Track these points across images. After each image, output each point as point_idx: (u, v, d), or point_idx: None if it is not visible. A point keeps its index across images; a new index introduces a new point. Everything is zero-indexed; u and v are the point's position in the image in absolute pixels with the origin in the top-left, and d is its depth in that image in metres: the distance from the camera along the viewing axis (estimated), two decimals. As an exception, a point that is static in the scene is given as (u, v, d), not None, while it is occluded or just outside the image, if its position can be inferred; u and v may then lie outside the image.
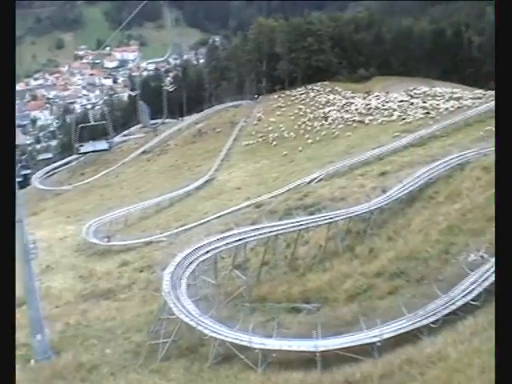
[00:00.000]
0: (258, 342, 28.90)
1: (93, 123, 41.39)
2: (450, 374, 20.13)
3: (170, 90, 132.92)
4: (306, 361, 28.08)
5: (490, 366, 18.35)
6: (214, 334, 30.09)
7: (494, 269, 32.16)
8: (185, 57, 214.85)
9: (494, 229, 37.24)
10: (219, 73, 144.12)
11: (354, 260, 41.63)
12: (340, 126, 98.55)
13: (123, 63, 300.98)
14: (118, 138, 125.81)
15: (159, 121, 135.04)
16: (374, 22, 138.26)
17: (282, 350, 28.77)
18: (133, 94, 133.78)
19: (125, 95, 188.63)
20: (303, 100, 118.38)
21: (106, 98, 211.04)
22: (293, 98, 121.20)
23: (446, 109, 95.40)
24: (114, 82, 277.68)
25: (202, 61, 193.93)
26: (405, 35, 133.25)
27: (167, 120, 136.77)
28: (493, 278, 31.32)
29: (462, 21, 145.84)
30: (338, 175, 66.83)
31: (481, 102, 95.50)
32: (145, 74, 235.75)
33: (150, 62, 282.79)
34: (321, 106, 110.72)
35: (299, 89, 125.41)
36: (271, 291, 39.40)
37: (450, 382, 19.29)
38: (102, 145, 44.24)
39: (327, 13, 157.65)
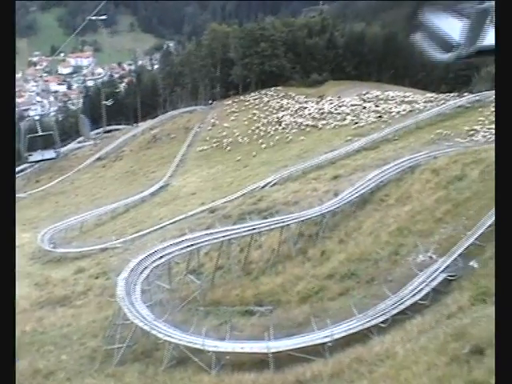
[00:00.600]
0: (211, 345, 29.31)
1: (40, 133, 41.39)
2: (397, 371, 20.65)
3: (108, 103, 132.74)
4: (259, 362, 28.58)
5: (436, 362, 19.06)
6: (168, 338, 30.46)
7: (441, 269, 33.27)
8: (139, 62, 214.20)
9: (441, 230, 38.64)
10: (173, 78, 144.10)
11: (306, 263, 42.14)
12: (294, 131, 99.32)
13: (77, 69, 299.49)
14: (73, 145, 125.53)
15: (100, 130, 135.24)
16: (327, 26, 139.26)
17: (234, 352, 29.24)
18: (108, 103, 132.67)
19: (80, 101, 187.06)
20: (257, 105, 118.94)
21: (60, 104, 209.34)
22: (247, 103, 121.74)
23: (398, 112, 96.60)
24: (69, 88, 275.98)
25: (156, 66, 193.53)
26: (357, 40, 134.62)
27: (114, 127, 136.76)
28: (440, 278, 32.36)
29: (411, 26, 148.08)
30: (292, 179, 67.44)
31: (432, 105, 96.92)
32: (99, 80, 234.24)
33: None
34: (274, 111, 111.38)
35: (253, 94, 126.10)
36: (225, 295, 39.77)
37: (397, 379, 19.75)
38: (49, 154, 44.31)
39: (281, 18, 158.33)
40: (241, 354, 29.36)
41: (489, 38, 10.08)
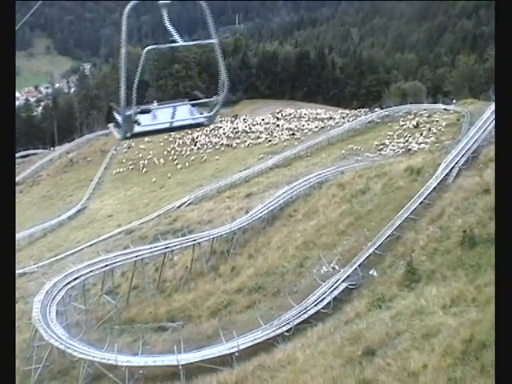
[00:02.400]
0: (124, 360, 30.49)
1: None
2: (297, 374, 22.07)
3: None
4: (171, 374, 29.94)
5: (332, 365, 20.63)
6: (82, 356, 31.47)
7: (342, 279, 35.16)
8: (56, 85, 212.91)
9: (344, 241, 40.58)
10: (89, 101, 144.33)
11: (217, 279, 43.49)
12: (209, 151, 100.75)
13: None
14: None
15: (17, 155, 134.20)
16: (240, 47, 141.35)
17: (147, 366, 30.50)
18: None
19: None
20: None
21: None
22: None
23: (310, 129, 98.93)
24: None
25: (73, 89, 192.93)
26: (270, 59, 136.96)
27: (31, 151, 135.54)
28: (341, 288, 34.23)
29: (325, 43, 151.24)
30: (206, 199, 68.72)
31: (343, 121, 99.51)
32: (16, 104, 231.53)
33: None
34: (190, 132, 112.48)
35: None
36: (139, 313, 40.83)
37: (296, 382, 21.19)
38: None
39: (196, 39, 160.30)
40: (153, 367, 30.61)
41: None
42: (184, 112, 8.46)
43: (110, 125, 8.03)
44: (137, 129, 7.84)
